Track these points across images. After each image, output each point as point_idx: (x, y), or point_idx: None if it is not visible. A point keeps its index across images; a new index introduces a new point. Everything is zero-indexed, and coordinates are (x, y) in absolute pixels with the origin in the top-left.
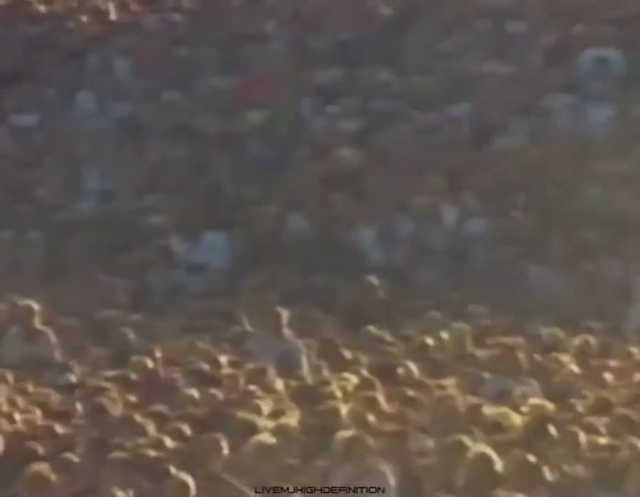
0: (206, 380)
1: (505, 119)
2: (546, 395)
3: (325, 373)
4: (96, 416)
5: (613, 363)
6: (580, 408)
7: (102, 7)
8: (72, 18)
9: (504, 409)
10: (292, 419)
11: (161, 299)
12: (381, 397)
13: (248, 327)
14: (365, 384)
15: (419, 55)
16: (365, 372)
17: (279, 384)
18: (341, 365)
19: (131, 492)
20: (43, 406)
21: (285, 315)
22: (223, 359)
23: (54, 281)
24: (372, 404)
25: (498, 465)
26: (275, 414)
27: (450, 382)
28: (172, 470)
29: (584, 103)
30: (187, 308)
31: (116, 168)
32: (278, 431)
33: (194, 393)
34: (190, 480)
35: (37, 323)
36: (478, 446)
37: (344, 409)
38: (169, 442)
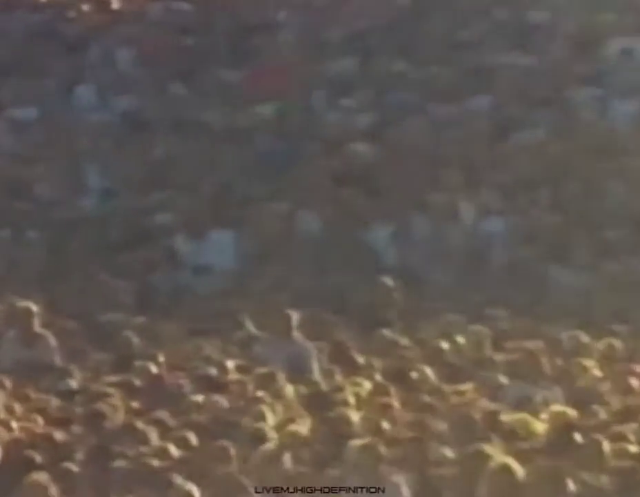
0: (213, 386)
1: (526, 112)
2: (568, 402)
3: (337, 378)
4: (97, 423)
5: (639, 368)
6: (604, 415)
7: None
8: (73, 7)
9: (524, 416)
10: (302, 426)
11: (166, 301)
12: (396, 404)
13: (257, 330)
14: (378, 390)
15: (437, 45)
16: (378, 377)
17: (289, 390)
18: (353, 370)
19: None
20: (42, 412)
21: (295, 317)
22: (231, 363)
23: (54, 282)
24: (386, 410)
25: (521, 475)
26: (285, 421)
27: (467, 387)
28: (177, 480)
29: (608, 96)
30: (193, 310)
31: (119, 164)
32: (288, 440)
33: (200, 399)
34: (195, 491)
35: (36, 326)
36: (500, 456)
37: (357, 416)
38: (174, 451)
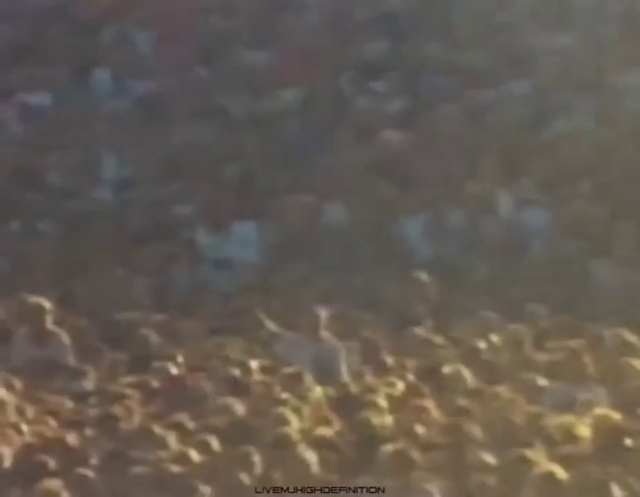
0: (235, 387)
1: (569, 98)
2: (614, 404)
3: (368, 378)
4: (113, 427)
5: None
6: None
7: None
8: None
9: (569, 419)
10: (330, 430)
11: (186, 298)
12: (430, 406)
13: (281, 328)
14: (411, 391)
15: (472, 27)
16: (411, 377)
17: (317, 392)
18: (384, 370)
19: None
20: (55, 415)
21: (323, 314)
22: (254, 364)
23: (67, 277)
24: (420, 413)
25: (566, 482)
26: (312, 425)
27: (505, 389)
28: (198, 486)
29: None
30: (214, 307)
31: (136, 153)
32: (316, 444)
33: (222, 401)
34: None
35: (48, 323)
36: (544, 462)
37: (389, 419)
38: (194, 456)
